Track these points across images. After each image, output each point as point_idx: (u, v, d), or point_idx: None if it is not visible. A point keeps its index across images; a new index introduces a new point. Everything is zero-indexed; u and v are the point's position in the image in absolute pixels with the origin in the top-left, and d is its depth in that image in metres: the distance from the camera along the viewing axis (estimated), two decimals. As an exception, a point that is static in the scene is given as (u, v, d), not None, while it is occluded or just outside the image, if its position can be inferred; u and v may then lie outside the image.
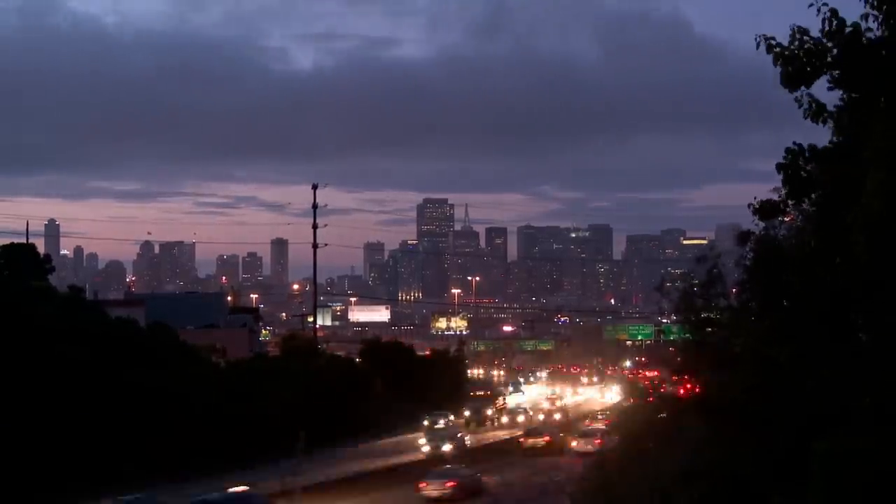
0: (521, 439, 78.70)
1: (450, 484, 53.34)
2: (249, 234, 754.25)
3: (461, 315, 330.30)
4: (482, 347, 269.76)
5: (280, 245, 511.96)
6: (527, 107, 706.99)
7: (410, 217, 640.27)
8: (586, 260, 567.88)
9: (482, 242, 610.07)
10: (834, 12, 14.65)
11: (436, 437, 77.29)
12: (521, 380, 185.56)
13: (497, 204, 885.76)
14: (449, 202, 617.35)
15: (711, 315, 23.67)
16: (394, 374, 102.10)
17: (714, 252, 24.40)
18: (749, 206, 17.48)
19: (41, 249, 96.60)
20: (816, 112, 15.35)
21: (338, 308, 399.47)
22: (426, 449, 72.75)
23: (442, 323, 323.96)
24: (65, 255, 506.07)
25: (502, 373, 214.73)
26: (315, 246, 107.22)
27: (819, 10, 14.61)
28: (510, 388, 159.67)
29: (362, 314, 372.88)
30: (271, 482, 50.76)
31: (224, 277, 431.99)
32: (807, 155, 15.99)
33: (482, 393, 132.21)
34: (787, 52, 15.07)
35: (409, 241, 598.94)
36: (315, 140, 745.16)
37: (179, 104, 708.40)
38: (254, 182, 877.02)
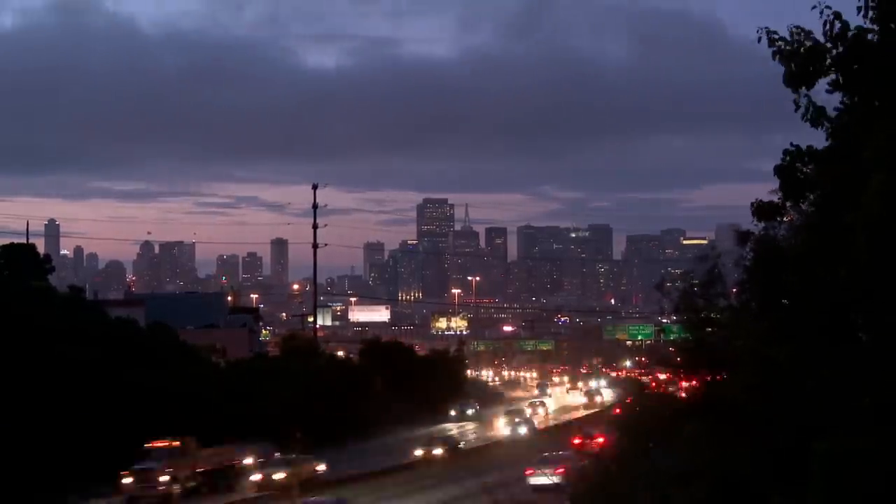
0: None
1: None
2: (249, 234, 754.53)
3: (461, 315, 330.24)
4: (482, 347, 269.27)
5: (280, 245, 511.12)
6: (527, 107, 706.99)
7: (410, 217, 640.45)
8: (586, 260, 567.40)
9: (482, 242, 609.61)
10: (837, 15, 14.67)
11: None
12: (546, 382, 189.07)
13: (497, 204, 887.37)
14: (449, 202, 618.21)
15: (711, 315, 23.69)
16: (394, 373, 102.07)
17: (714, 252, 24.43)
18: (751, 205, 17.55)
19: (41, 249, 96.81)
20: (815, 116, 15.36)
21: (338, 308, 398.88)
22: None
23: (442, 323, 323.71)
24: (65, 255, 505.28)
25: (534, 374, 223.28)
26: (315, 246, 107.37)
27: (822, 13, 14.64)
28: (536, 391, 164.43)
29: (362, 314, 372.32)
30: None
31: (224, 277, 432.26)
32: (805, 158, 16.01)
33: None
34: (788, 48, 15.08)
35: (409, 241, 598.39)
36: (315, 140, 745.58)
37: (179, 104, 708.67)
38: (254, 182, 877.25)
